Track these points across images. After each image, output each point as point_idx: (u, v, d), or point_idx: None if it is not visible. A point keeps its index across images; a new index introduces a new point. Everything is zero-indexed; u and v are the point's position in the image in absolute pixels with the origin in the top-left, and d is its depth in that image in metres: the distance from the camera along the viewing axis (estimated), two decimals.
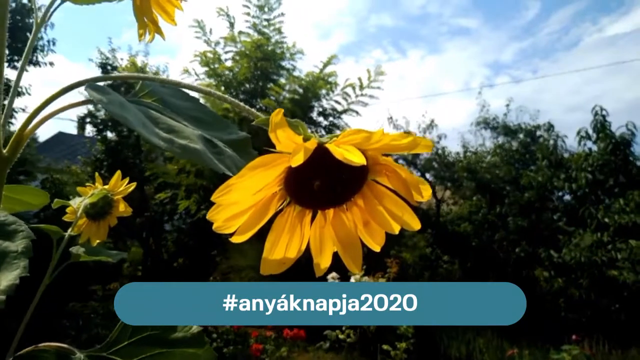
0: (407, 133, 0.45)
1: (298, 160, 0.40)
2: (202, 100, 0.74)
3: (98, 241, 0.96)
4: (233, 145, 0.66)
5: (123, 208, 0.96)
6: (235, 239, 0.47)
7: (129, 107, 0.58)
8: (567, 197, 8.14)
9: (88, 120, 10.76)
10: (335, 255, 0.58)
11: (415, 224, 0.52)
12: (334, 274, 5.17)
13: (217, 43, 8.08)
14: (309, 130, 0.48)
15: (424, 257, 9.15)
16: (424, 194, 0.51)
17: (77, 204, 0.93)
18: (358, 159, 0.40)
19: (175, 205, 8.45)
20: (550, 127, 8.68)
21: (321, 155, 0.46)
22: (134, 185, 0.98)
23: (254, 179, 0.42)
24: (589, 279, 6.72)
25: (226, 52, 8.18)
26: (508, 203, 8.40)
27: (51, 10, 0.73)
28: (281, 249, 0.49)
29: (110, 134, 10.62)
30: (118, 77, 0.59)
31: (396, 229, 0.53)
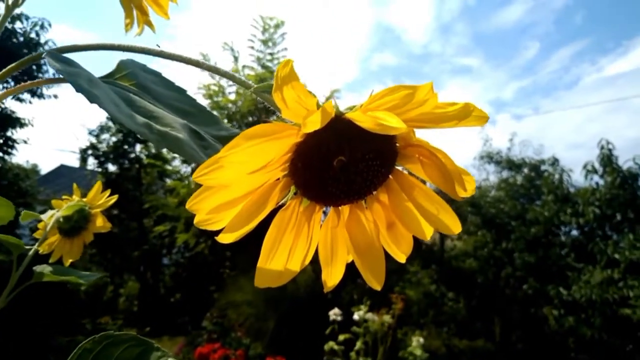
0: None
1: (313, 124, 0.29)
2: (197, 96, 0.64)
3: (71, 260, 0.84)
4: (223, 142, 0.55)
5: (101, 223, 0.85)
6: (222, 238, 0.35)
7: (99, 84, 0.48)
8: (575, 233, 7.95)
9: (90, 152, 10.74)
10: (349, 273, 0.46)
11: (455, 226, 0.41)
12: (336, 310, 4.96)
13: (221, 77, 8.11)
14: None
15: (428, 295, 8.89)
16: (468, 188, 0.40)
17: (48, 217, 0.81)
18: (396, 123, 0.29)
19: (174, 239, 8.29)
20: (555, 161, 8.58)
21: (339, 131, 0.35)
22: (115, 198, 0.87)
23: (250, 151, 0.31)
24: (601, 317, 6.47)
25: (230, 86, 8.21)
26: (514, 238, 8.20)
27: None
28: (282, 254, 0.38)
29: (111, 167, 10.57)
30: (90, 47, 0.49)
31: (428, 234, 0.42)
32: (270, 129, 0.31)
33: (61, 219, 0.84)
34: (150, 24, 0.85)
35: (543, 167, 8.98)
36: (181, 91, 0.63)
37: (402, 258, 0.43)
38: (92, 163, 10.89)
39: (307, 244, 0.39)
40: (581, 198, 7.59)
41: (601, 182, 7.31)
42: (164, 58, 0.47)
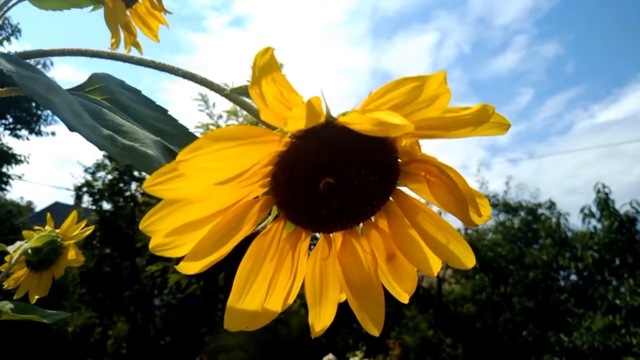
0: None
1: (297, 121, 0.24)
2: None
3: (37, 297, 0.76)
4: None
5: (74, 256, 0.78)
6: (184, 267, 0.29)
7: (61, 92, 0.43)
8: (573, 277, 7.82)
9: (85, 190, 10.65)
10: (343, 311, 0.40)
11: (469, 259, 0.34)
12: (330, 356, 4.77)
13: (220, 116, 8.16)
14: None
15: (426, 340, 8.63)
16: (483, 213, 0.34)
17: (15, 248, 0.74)
18: (400, 121, 0.23)
19: (166, 279, 8.09)
20: (551, 204, 8.55)
21: (330, 139, 0.29)
22: (91, 229, 0.81)
23: (218, 156, 0.25)
24: None
25: (228, 125, 8.24)
26: (512, 282, 8.06)
27: (4, 8, 0.60)
28: (259, 290, 0.31)
29: (106, 205, 10.46)
30: (54, 52, 0.44)
31: (435, 268, 0.35)
32: (246, 132, 0.25)
33: (29, 251, 0.77)
34: (137, 46, 0.81)
35: (540, 211, 8.94)
36: (162, 111, 0.57)
37: (404, 298, 0.36)
38: (87, 201, 10.79)
39: (291, 278, 0.33)
40: (579, 242, 7.51)
41: (599, 226, 7.25)
42: (133, 64, 0.42)
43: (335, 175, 0.29)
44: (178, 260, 0.29)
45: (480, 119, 0.27)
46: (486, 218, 0.34)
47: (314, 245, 0.36)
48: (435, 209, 0.35)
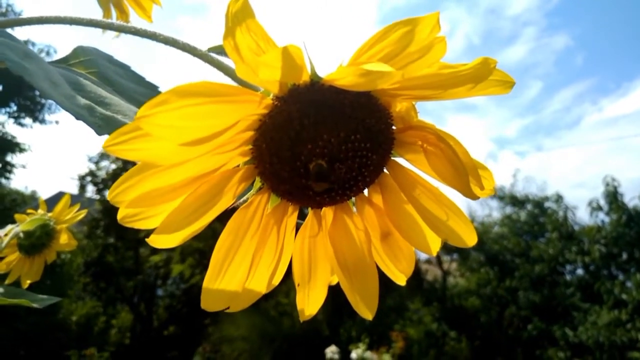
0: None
1: (270, 70, 0.21)
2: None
3: (29, 282, 0.74)
4: None
5: (66, 240, 0.76)
6: (155, 241, 0.26)
7: (39, 60, 0.40)
8: (580, 271, 7.78)
9: (89, 179, 10.67)
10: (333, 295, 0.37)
11: (470, 237, 0.31)
12: (333, 348, 4.76)
13: None
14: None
15: (430, 334, 8.62)
16: (486, 186, 0.31)
17: (6, 231, 0.72)
18: (386, 68, 0.21)
19: (169, 269, 8.13)
20: (559, 198, 8.47)
21: (316, 102, 0.27)
22: (84, 212, 0.79)
23: (186, 113, 0.22)
24: None
25: None
26: (518, 276, 8.01)
27: None
28: (239, 269, 0.28)
29: None
30: (36, 20, 0.41)
31: (434, 247, 0.32)
32: (218, 89, 0.23)
33: (21, 235, 0.75)
34: None
35: (547, 204, 8.87)
36: (152, 87, 0.55)
37: (401, 279, 0.34)
38: (90, 190, 10.80)
39: (276, 256, 0.30)
40: (586, 236, 7.45)
41: (606, 219, 7.18)
42: (114, 31, 0.39)
43: (319, 148, 0.26)
44: (150, 233, 0.26)
45: (481, 75, 0.24)
46: (489, 192, 0.31)
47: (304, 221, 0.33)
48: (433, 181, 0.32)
